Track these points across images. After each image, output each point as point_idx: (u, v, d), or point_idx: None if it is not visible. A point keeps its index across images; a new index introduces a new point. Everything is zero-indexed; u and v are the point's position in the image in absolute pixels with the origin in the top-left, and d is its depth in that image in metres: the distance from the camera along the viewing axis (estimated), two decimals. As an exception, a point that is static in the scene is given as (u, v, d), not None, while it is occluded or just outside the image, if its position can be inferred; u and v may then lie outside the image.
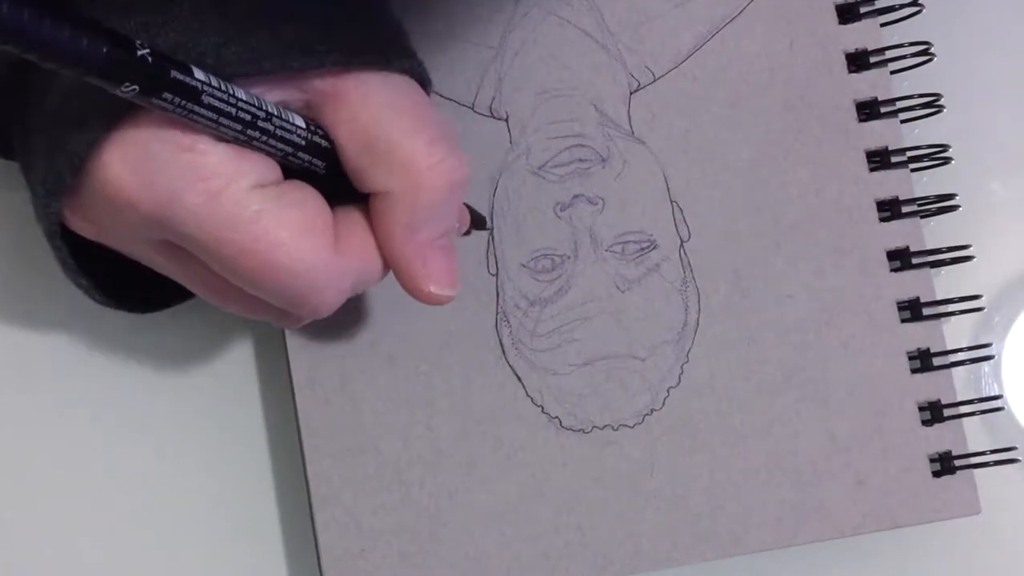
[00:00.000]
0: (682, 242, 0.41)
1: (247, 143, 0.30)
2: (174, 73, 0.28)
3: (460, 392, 0.40)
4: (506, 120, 0.41)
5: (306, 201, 0.32)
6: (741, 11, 0.42)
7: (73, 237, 0.34)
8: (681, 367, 0.41)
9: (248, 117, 0.30)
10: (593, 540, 0.40)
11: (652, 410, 0.41)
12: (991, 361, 0.44)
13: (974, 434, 0.42)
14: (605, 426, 0.41)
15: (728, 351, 0.41)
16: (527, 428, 0.40)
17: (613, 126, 0.41)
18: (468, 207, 0.38)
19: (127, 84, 0.27)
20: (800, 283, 0.41)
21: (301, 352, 0.40)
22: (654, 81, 0.42)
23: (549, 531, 0.40)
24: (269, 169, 0.31)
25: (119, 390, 0.42)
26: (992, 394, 0.44)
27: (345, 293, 0.33)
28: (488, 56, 0.41)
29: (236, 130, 0.30)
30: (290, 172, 0.32)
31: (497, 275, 0.41)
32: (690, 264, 0.41)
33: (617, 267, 0.41)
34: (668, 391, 0.41)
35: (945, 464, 0.41)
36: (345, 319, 0.40)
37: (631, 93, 0.42)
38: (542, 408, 0.41)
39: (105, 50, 0.27)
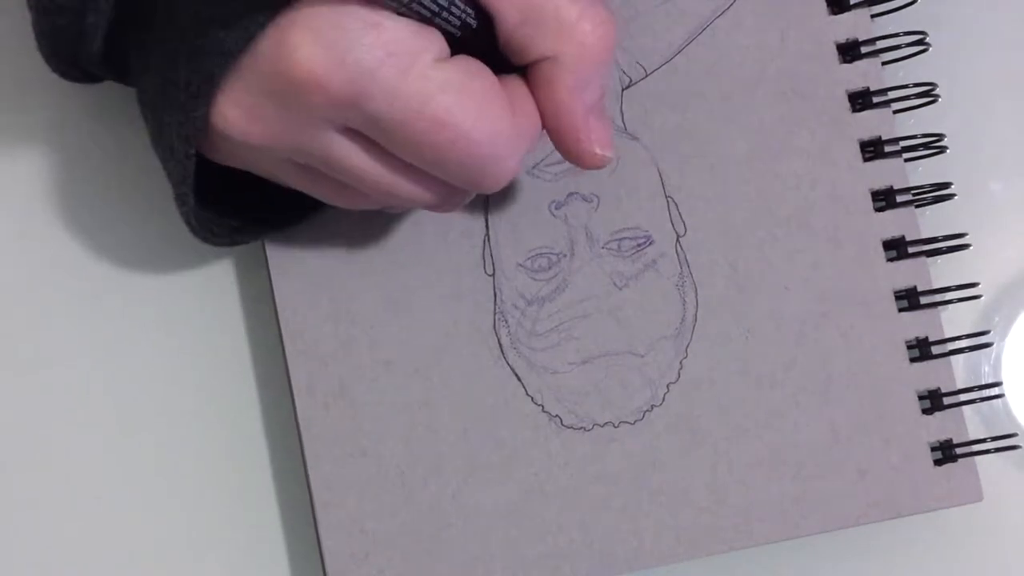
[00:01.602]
0: (678, 237, 0.41)
1: (425, 18, 0.30)
2: None
3: (460, 393, 0.40)
4: None
5: (483, 71, 0.32)
6: (731, 4, 0.42)
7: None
8: (680, 362, 0.41)
9: None
10: (596, 538, 0.40)
11: (652, 406, 0.41)
12: (992, 361, 0.45)
13: (973, 432, 0.42)
14: (606, 423, 0.41)
15: (727, 345, 0.41)
16: (528, 427, 0.40)
17: (606, 123, 0.41)
18: None
19: None
20: (797, 275, 0.41)
21: (300, 357, 0.40)
22: (645, 77, 0.42)
23: (552, 530, 0.40)
24: (442, 45, 0.31)
25: (117, 398, 0.42)
26: (991, 382, 0.44)
27: (521, 159, 0.33)
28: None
29: (416, 4, 0.30)
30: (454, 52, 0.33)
31: (494, 275, 0.41)
32: (687, 259, 0.41)
33: (614, 264, 0.41)
34: (668, 387, 0.41)
35: (946, 452, 0.41)
36: (345, 322, 0.40)
37: (623, 89, 0.42)
38: (542, 407, 0.41)
39: None
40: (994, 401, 0.44)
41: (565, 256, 0.41)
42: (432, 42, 0.31)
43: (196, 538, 0.42)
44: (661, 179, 0.41)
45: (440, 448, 0.40)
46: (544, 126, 0.34)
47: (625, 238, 0.41)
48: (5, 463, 0.42)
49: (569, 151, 0.34)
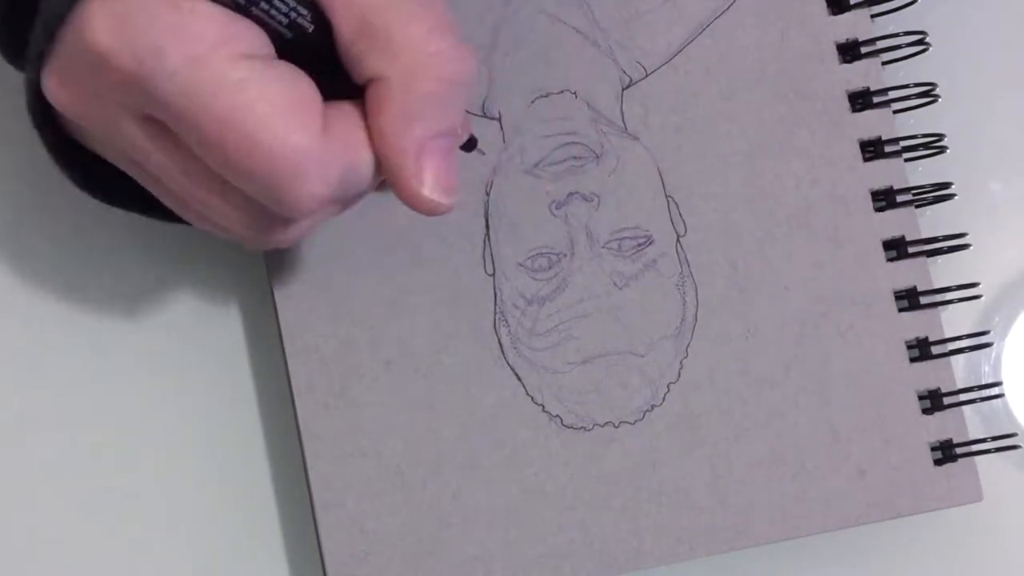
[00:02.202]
0: (678, 237, 0.41)
1: (240, 8, 0.29)
2: None
3: (460, 393, 0.40)
4: (499, 119, 0.41)
5: (295, 80, 0.29)
6: (731, 4, 0.42)
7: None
8: (680, 362, 0.41)
9: None
10: (597, 538, 0.40)
11: (652, 406, 0.41)
12: (992, 361, 0.45)
13: (973, 432, 0.42)
14: (606, 423, 0.41)
15: (727, 345, 0.41)
16: (528, 427, 0.40)
17: (606, 123, 0.41)
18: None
19: None
20: (797, 275, 0.41)
21: (300, 357, 0.40)
22: (646, 76, 0.42)
23: (552, 530, 0.40)
24: (260, 42, 0.29)
25: (116, 399, 0.42)
26: (991, 382, 0.44)
27: (331, 185, 0.30)
28: (479, 55, 0.41)
29: None
30: (284, 58, 0.31)
31: (494, 275, 0.41)
32: (687, 259, 0.41)
33: (614, 264, 0.41)
34: (668, 386, 0.41)
35: (946, 452, 0.41)
36: (344, 323, 0.40)
37: (623, 89, 0.42)
38: (542, 407, 0.41)
39: None
40: (994, 401, 0.44)
41: (565, 256, 0.41)
42: (244, 36, 0.29)
43: (196, 538, 0.42)
44: (661, 179, 0.41)
45: (440, 448, 0.40)
46: (375, 155, 0.31)
47: (625, 238, 0.41)
48: None
49: (395, 187, 0.31)
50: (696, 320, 0.41)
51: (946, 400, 0.41)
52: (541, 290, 0.41)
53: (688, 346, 0.41)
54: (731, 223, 0.41)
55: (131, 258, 0.42)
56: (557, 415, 0.40)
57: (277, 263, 0.40)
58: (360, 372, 0.40)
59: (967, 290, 0.42)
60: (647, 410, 0.41)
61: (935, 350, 0.42)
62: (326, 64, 0.31)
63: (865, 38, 0.42)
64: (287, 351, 0.40)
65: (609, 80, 0.42)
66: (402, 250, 0.41)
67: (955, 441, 0.41)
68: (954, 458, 0.41)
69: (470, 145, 0.37)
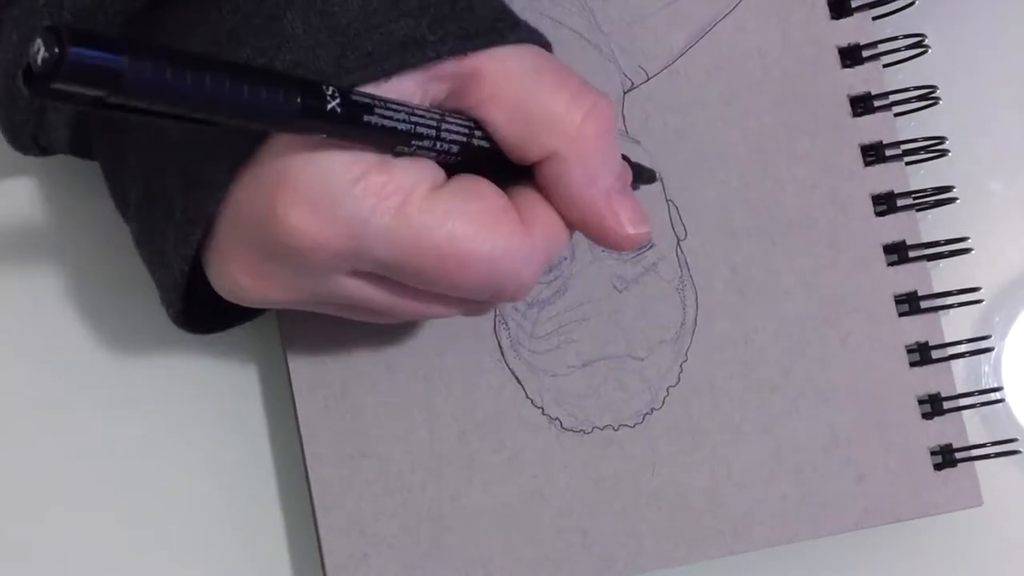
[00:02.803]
0: (679, 241, 0.41)
1: (420, 155, 0.30)
2: (367, 117, 0.28)
3: (460, 395, 0.40)
4: None
5: (482, 190, 0.31)
6: (733, 8, 0.42)
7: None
8: (680, 366, 0.41)
9: (421, 131, 0.30)
10: (596, 541, 0.40)
11: (652, 409, 0.41)
12: (992, 362, 0.44)
13: (973, 433, 0.42)
14: (605, 426, 0.41)
15: (727, 349, 0.41)
16: (528, 430, 0.40)
17: (607, 126, 0.41)
18: (628, 160, 0.37)
19: (318, 133, 0.27)
20: (797, 279, 0.41)
21: (301, 359, 0.40)
22: (647, 80, 0.42)
23: (551, 533, 0.40)
24: (435, 171, 0.31)
25: (120, 398, 0.42)
26: (992, 386, 0.44)
27: (542, 269, 0.33)
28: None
29: (411, 146, 0.30)
30: (450, 169, 0.32)
31: (494, 278, 0.41)
32: (687, 263, 0.41)
33: (614, 267, 0.41)
34: (668, 390, 0.41)
35: (946, 457, 0.41)
36: (344, 325, 0.40)
37: (625, 93, 0.42)
38: (542, 410, 0.41)
39: (299, 102, 0.26)
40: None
41: (566, 259, 0.41)
42: (423, 173, 0.30)
43: (197, 538, 0.42)
44: (662, 183, 0.41)
45: (440, 450, 0.40)
46: (569, 222, 0.33)
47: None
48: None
49: (601, 239, 0.33)
50: (696, 324, 0.41)
51: (946, 404, 0.41)
52: (541, 293, 0.41)
53: (688, 350, 0.41)
54: (731, 227, 0.41)
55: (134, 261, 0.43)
56: (557, 418, 0.41)
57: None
58: (360, 373, 0.40)
59: (968, 294, 0.42)
60: (647, 413, 0.41)
61: (935, 354, 0.42)
62: (489, 157, 0.33)
63: (866, 42, 0.42)
64: (288, 352, 0.40)
65: (611, 84, 0.42)
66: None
67: (955, 446, 0.41)
68: (954, 463, 0.41)
69: (652, 179, 0.40)
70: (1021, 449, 0.42)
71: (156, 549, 0.42)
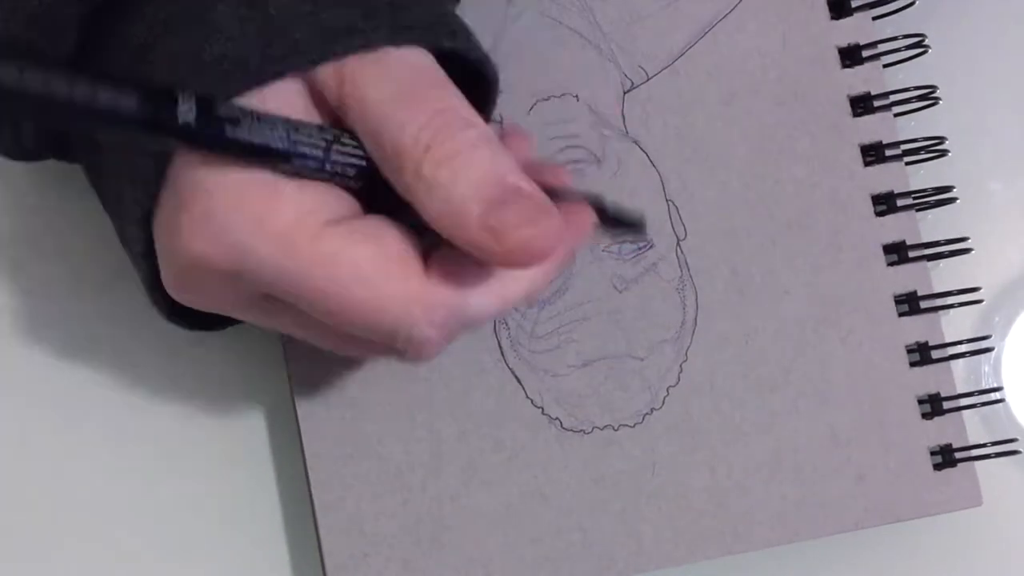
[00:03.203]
0: (678, 241, 0.41)
1: (311, 176, 0.29)
2: (229, 131, 0.27)
3: (460, 395, 0.40)
4: (500, 123, 0.41)
5: (382, 233, 0.29)
6: (733, 8, 0.42)
7: None
8: (680, 366, 0.41)
9: (304, 149, 0.28)
10: (595, 541, 0.40)
11: (652, 409, 0.41)
12: (991, 362, 0.44)
13: (973, 433, 0.42)
14: (605, 426, 0.41)
15: (727, 349, 0.41)
16: (527, 430, 0.40)
17: (607, 126, 0.41)
18: (604, 211, 0.34)
19: (177, 146, 0.27)
20: (797, 279, 0.41)
21: (301, 358, 0.40)
22: (647, 80, 0.42)
23: (551, 532, 0.40)
24: (337, 202, 0.30)
25: (119, 399, 0.42)
26: (992, 387, 0.44)
27: (440, 325, 0.30)
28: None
29: (293, 165, 0.28)
30: (372, 198, 0.31)
31: (494, 278, 0.41)
32: (687, 263, 0.41)
33: (614, 267, 0.41)
34: (668, 390, 0.41)
35: (946, 457, 0.41)
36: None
37: (624, 92, 0.42)
38: (542, 409, 0.41)
39: (141, 108, 0.25)
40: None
41: (565, 259, 0.41)
42: (320, 203, 0.29)
43: (197, 538, 0.42)
44: (662, 183, 0.41)
45: (440, 449, 0.40)
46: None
47: (625, 241, 0.41)
48: None
49: (505, 267, 0.30)
50: (696, 324, 0.41)
51: (946, 405, 0.41)
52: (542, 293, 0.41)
53: (688, 350, 0.41)
54: (731, 227, 0.41)
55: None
56: (557, 418, 0.41)
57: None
58: (361, 374, 0.40)
59: (968, 294, 0.42)
60: (647, 413, 0.41)
61: (935, 354, 0.42)
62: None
63: (866, 42, 0.42)
64: (288, 352, 0.40)
65: (610, 84, 0.42)
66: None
67: (955, 446, 0.41)
68: (954, 463, 0.41)
69: (640, 227, 0.37)
70: (1021, 449, 0.42)
71: (156, 549, 0.42)
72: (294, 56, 0.29)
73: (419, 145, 0.29)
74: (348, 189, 0.30)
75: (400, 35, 0.30)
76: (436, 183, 0.29)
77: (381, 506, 0.40)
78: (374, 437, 0.40)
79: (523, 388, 0.41)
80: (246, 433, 0.43)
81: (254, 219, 0.28)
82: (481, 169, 0.29)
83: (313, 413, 0.40)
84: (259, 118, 0.28)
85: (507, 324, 0.41)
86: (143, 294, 0.35)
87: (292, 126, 0.28)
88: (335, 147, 0.29)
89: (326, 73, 0.30)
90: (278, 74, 0.29)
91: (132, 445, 0.42)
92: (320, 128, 0.29)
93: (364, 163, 0.30)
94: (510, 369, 0.41)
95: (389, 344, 0.30)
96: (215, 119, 0.27)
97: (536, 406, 0.41)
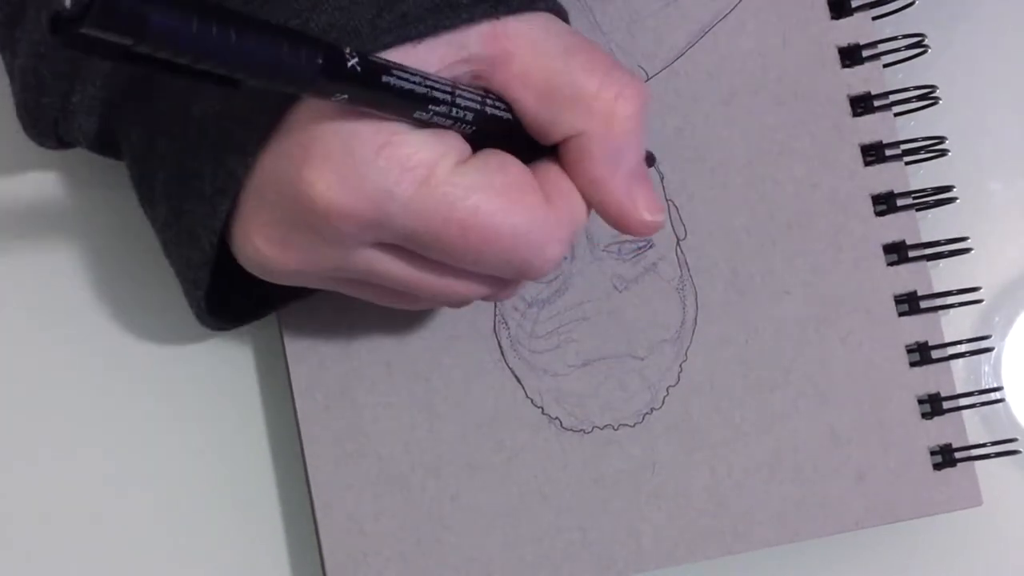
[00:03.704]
0: (678, 241, 0.41)
1: (437, 123, 0.30)
2: (385, 78, 0.28)
3: (460, 395, 0.40)
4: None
5: (507, 165, 0.31)
6: (733, 8, 0.42)
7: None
8: (680, 365, 0.41)
9: (438, 95, 0.29)
10: (595, 540, 0.40)
11: (652, 409, 0.41)
12: (991, 361, 0.44)
13: (973, 433, 0.42)
14: (605, 426, 0.41)
15: (726, 348, 0.41)
16: (527, 429, 0.40)
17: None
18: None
19: (338, 94, 0.27)
20: (797, 279, 0.41)
21: (301, 358, 0.40)
22: (647, 80, 0.42)
23: (551, 532, 0.40)
24: (460, 144, 0.31)
25: (117, 400, 0.42)
26: (992, 387, 0.44)
27: (566, 245, 0.33)
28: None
29: (428, 112, 0.30)
30: (473, 145, 0.32)
31: (494, 278, 0.41)
32: (687, 262, 0.41)
33: (614, 267, 0.41)
34: (667, 390, 0.41)
35: (946, 456, 0.41)
36: (344, 324, 0.40)
37: (625, 92, 0.42)
38: (542, 409, 0.41)
39: (320, 62, 0.26)
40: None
41: (566, 259, 0.41)
42: (449, 146, 0.30)
43: (197, 538, 0.42)
44: (662, 182, 0.41)
45: (440, 449, 0.40)
46: (585, 199, 0.33)
47: (625, 241, 0.41)
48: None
49: (617, 224, 0.34)
50: (696, 324, 0.41)
51: (946, 404, 0.41)
52: (541, 293, 0.41)
53: (688, 349, 0.41)
54: (731, 227, 0.41)
55: (137, 261, 0.43)
56: (556, 417, 0.41)
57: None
58: (360, 373, 0.40)
59: (968, 294, 0.42)
60: (646, 413, 0.41)
61: (935, 354, 0.42)
62: (513, 135, 0.33)
63: (866, 42, 0.42)
64: (288, 352, 0.40)
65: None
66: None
67: (954, 446, 0.41)
68: (953, 463, 0.41)
69: (650, 161, 0.39)
70: (1021, 449, 0.43)
71: (155, 548, 0.42)
72: (406, 27, 0.30)
73: (608, 92, 0.32)
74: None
75: (500, 7, 0.31)
76: (616, 131, 0.32)
77: (381, 506, 0.40)
78: (374, 437, 0.40)
79: (523, 388, 0.41)
80: (246, 433, 0.43)
81: (393, 163, 0.29)
82: (644, 135, 0.33)
83: (313, 413, 0.40)
84: (403, 68, 0.29)
85: (507, 324, 0.41)
86: (179, 289, 0.35)
87: (424, 74, 0.29)
88: (458, 92, 0.30)
89: (467, 34, 0.31)
90: (388, 45, 0.30)
91: (130, 446, 0.42)
92: (442, 78, 0.30)
93: (479, 106, 0.31)
94: (510, 369, 0.41)
95: (520, 270, 0.32)
96: (374, 66, 0.28)
97: (536, 406, 0.41)
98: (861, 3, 0.42)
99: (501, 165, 0.31)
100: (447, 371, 0.40)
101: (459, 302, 0.36)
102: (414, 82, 0.29)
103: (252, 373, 0.43)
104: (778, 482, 0.41)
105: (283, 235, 0.31)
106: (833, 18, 0.42)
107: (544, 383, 0.41)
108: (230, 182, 0.31)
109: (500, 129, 0.32)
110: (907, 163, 0.42)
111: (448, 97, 0.30)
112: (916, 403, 0.41)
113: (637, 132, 0.33)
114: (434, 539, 0.40)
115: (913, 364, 0.42)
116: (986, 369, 0.45)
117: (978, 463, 0.41)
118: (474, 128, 0.31)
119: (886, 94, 0.42)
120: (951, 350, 0.42)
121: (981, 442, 0.42)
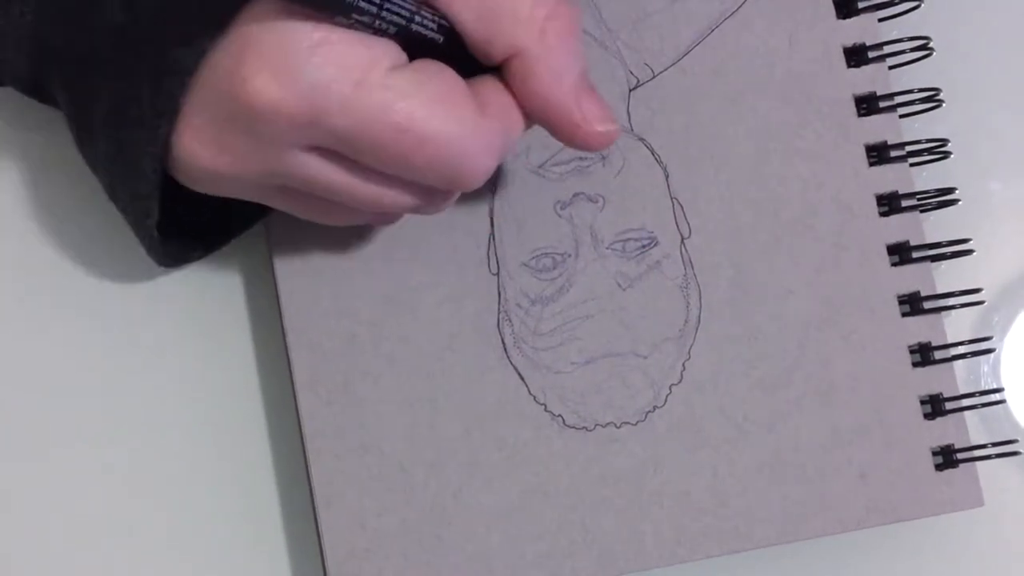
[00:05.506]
0: (683, 239, 0.41)
1: (375, 28, 0.30)
2: None
3: (462, 392, 0.40)
4: None
5: (443, 73, 0.32)
6: (739, 6, 0.42)
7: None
8: (683, 364, 0.41)
9: (362, 4, 0.30)
10: (597, 538, 0.40)
11: (655, 407, 0.41)
12: (991, 361, 0.45)
13: (973, 433, 0.42)
14: (608, 424, 0.41)
15: (730, 347, 0.41)
16: (530, 427, 0.40)
17: (612, 123, 0.41)
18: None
19: None
20: (801, 278, 0.41)
21: (303, 353, 0.40)
22: (653, 78, 0.42)
23: (553, 530, 0.40)
24: (397, 52, 0.31)
25: (119, 393, 0.42)
26: (992, 387, 0.44)
27: (497, 155, 0.33)
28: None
29: (350, 18, 0.30)
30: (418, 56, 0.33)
31: (498, 274, 0.41)
32: (691, 261, 0.41)
33: (618, 265, 0.41)
34: (670, 388, 0.41)
35: (947, 457, 0.41)
36: (348, 319, 0.40)
37: (630, 90, 0.42)
38: (545, 407, 0.41)
39: None
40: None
41: (569, 256, 0.41)
42: (385, 51, 0.31)
43: (196, 534, 0.42)
44: (667, 180, 0.41)
45: (442, 446, 0.40)
46: (537, 121, 0.34)
47: (630, 239, 0.41)
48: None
49: (571, 139, 0.34)
50: (699, 322, 0.41)
51: (947, 405, 0.41)
52: (545, 290, 0.41)
53: (691, 348, 0.41)
54: (736, 226, 0.41)
55: (136, 255, 0.42)
56: (559, 415, 0.41)
57: (282, 259, 0.40)
58: (363, 369, 0.40)
59: (970, 295, 0.42)
60: (649, 411, 0.41)
61: (938, 355, 0.42)
62: (445, 53, 0.33)
63: (872, 43, 0.42)
64: (290, 347, 0.40)
65: (616, 81, 0.42)
66: (406, 247, 0.41)
67: (956, 446, 0.41)
68: (955, 463, 0.41)
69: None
70: (1021, 450, 0.43)
71: (155, 546, 0.42)
72: None
73: (540, 10, 0.32)
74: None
75: None
76: (553, 46, 0.32)
77: (382, 502, 0.40)
78: (376, 433, 0.40)
79: (526, 385, 0.41)
80: (248, 429, 0.43)
81: (329, 61, 0.30)
82: (581, 50, 0.34)
83: (315, 409, 0.40)
84: None
85: (511, 321, 0.41)
86: (133, 228, 0.35)
87: None
88: (385, 5, 0.30)
89: None
90: None
91: (131, 440, 0.42)
92: None
93: (406, 21, 0.31)
94: (513, 366, 0.41)
95: (451, 179, 0.32)
96: None
97: (539, 403, 0.41)
98: (867, 3, 0.42)
99: (437, 73, 0.32)
100: (450, 367, 0.40)
101: (389, 216, 0.36)
102: None
103: (253, 367, 0.43)
104: (780, 481, 0.41)
105: (217, 135, 0.32)
106: (839, 17, 0.42)
107: (547, 380, 0.41)
108: (169, 104, 0.31)
109: (443, 46, 0.33)
110: (911, 164, 0.42)
111: (373, 8, 0.30)
112: (919, 403, 0.41)
113: (574, 45, 0.33)
114: (435, 535, 0.40)
115: (915, 365, 0.42)
116: (985, 369, 0.45)
117: (979, 464, 0.41)
118: (411, 35, 0.32)
119: (891, 95, 0.42)
120: (953, 351, 0.42)
121: (981, 443, 0.42)
